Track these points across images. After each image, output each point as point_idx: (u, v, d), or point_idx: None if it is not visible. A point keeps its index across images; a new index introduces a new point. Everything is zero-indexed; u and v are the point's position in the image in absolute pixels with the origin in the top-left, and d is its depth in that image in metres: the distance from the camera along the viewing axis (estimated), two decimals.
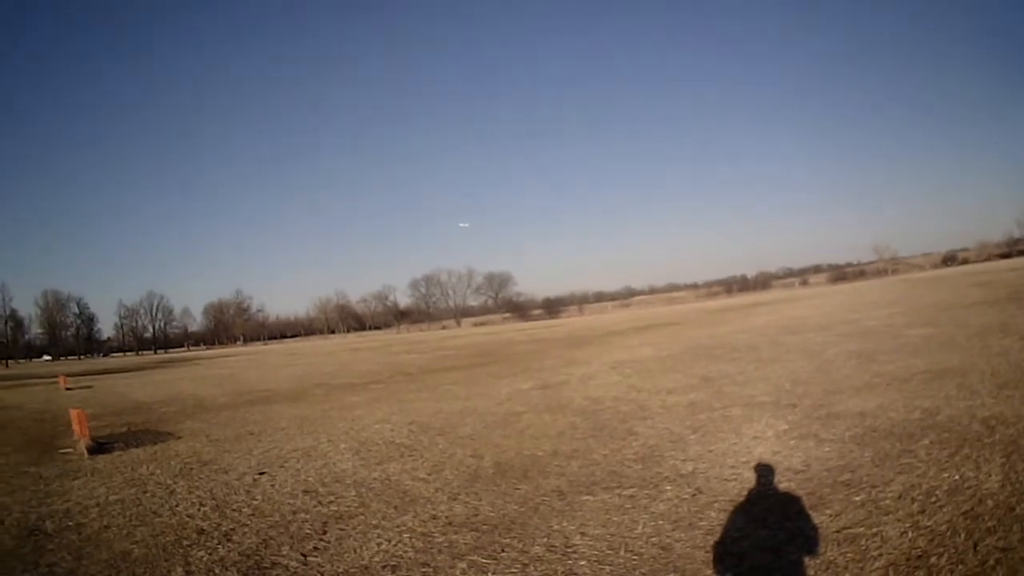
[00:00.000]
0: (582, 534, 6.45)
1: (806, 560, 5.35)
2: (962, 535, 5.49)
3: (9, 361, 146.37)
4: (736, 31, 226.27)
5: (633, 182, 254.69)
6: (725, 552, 5.64)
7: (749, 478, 7.95)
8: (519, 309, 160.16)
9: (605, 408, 14.43)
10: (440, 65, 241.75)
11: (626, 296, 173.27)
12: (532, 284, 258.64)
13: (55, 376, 53.56)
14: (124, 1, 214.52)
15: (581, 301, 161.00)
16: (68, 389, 39.72)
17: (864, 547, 5.50)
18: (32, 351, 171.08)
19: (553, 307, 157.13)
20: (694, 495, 7.42)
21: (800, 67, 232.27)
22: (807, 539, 5.78)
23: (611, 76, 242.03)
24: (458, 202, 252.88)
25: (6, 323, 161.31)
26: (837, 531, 5.91)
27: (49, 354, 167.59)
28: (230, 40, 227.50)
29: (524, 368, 26.57)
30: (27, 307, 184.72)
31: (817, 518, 6.27)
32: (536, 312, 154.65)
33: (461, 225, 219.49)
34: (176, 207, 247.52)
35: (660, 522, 6.56)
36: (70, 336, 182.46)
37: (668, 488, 7.77)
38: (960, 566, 4.96)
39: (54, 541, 8.19)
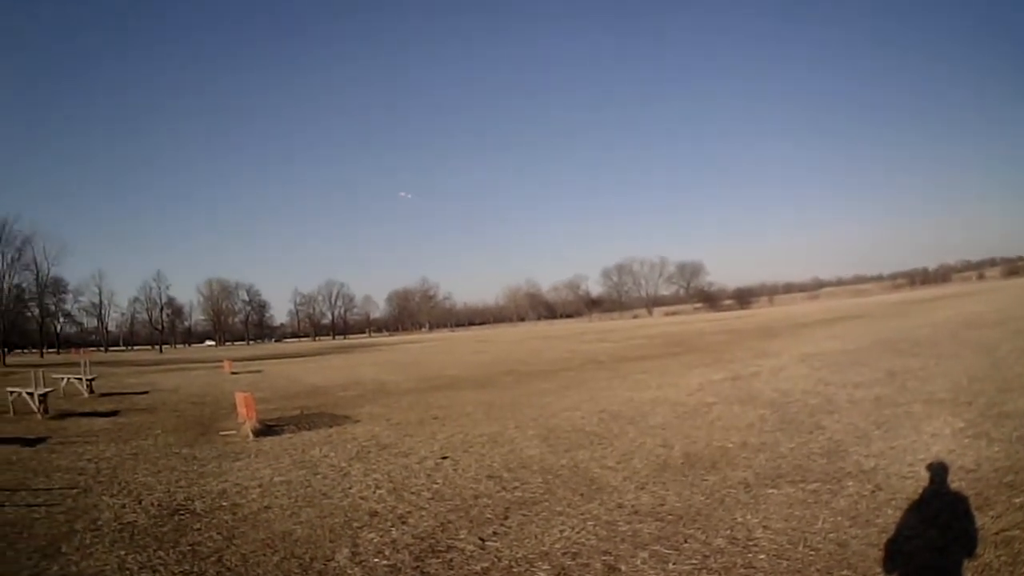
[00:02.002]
0: (764, 527, 6.66)
1: (965, 562, 5.51)
2: None
3: (164, 347, 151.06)
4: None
5: (824, 170, 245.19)
6: (896, 551, 5.81)
7: (925, 476, 8.03)
8: (710, 299, 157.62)
9: (794, 401, 14.53)
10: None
11: (814, 287, 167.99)
12: (723, 273, 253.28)
13: (219, 361, 55.44)
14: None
15: (771, 292, 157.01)
16: (234, 373, 41.19)
17: (1017, 550, 5.64)
18: (193, 337, 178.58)
19: (744, 297, 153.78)
20: (873, 492, 7.56)
21: None
22: (969, 540, 5.91)
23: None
24: (651, 190, 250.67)
25: (161, 310, 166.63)
26: (996, 533, 6.04)
27: (213, 340, 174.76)
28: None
29: (716, 359, 26.61)
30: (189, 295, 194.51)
31: (980, 519, 6.38)
32: (727, 302, 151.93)
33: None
34: (361, 199, 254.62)
35: (839, 518, 6.74)
36: (238, 322, 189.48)
37: (850, 484, 7.92)
38: None
39: (202, 521, 8.52)
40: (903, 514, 6.75)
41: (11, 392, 23.75)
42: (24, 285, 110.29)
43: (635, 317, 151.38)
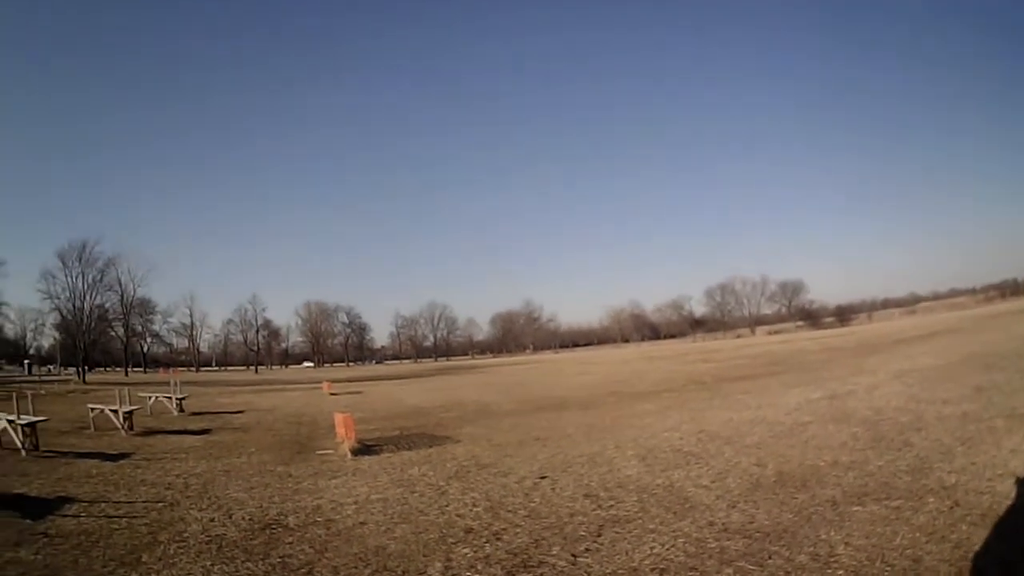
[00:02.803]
0: (846, 544, 6.79)
1: None
2: None
3: (259, 368, 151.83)
4: None
5: (915, 183, 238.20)
6: (967, 566, 5.92)
7: (1001, 491, 8.11)
8: (811, 317, 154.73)
9: (886, 419, 14.48)
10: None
11: (911, 302, 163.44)
12: (824, 290, 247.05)
13: (317, 382, 55.75)
14: None
15: (870, 308, 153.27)
16: (333, 394, 41.34)
17: None
18: (290, 359, 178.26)
19: (844, 315, 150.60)
20: (951, 508, 7.64)
21: None
22: None
23: None
24: (750, 207, 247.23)
25: (257, 332, 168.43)
26: None
27: (311, 361, 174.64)
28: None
29: (815, 377, 26.41)
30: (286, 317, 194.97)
31: None
32: (827, 320, 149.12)
33: None
34: (465, 222, 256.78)
35: (917, 534, 6.85)
36: (338, 344, 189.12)
37: (930, 500, 8.01)
38: None
39: (294, 535, 8.71)
40: (977, 530, 6.84)
41: (92, 408, 24.38)
42: (108, 305, 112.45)
43: (738, 336, 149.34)
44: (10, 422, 18.08)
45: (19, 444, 17.57)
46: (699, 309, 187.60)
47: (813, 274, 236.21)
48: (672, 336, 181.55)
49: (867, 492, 8.71)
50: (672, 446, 13.63)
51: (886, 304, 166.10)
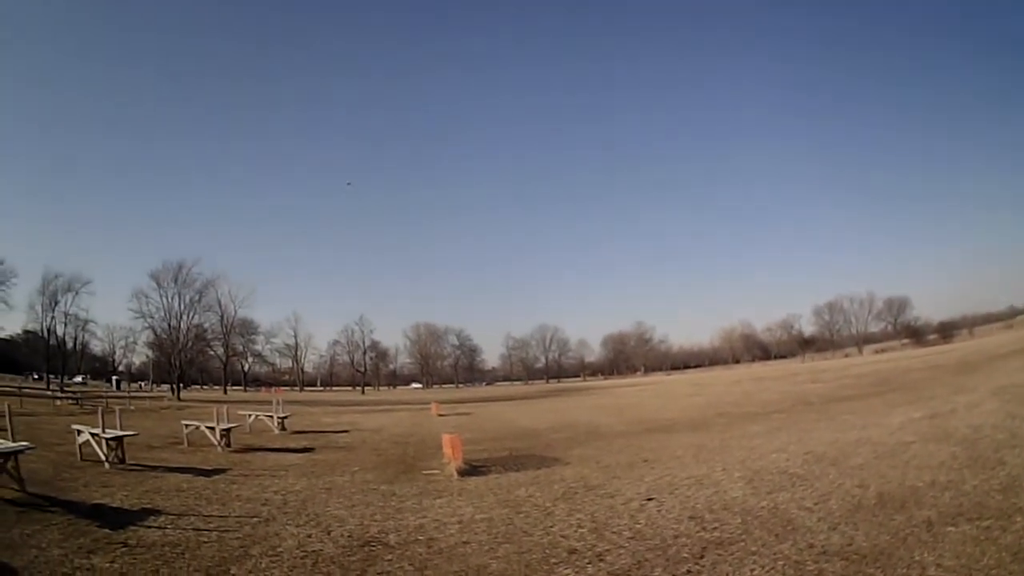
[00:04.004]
0: (937, 565, 6.95)
1: None
2: None
3: (366, 388, 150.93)
4: None
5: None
6: None
7: None
8: (916, 334, 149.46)
9: (983, 437, 14.39)
10: None
11: (1009, 315, 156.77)
12: (928, 306, 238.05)
13: (425, 403, 54.64)
14: None
15: (971, 324, 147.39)
16: (441, 415, 41.00)
17: None
18: (398, 380, 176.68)
19: (946, 331, 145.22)
20: None
21: None
22: None
23: None
24: (857, 224, 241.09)
25: (364, 353, 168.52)
26: None
27: (419, 382, 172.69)
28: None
29: (917, 396, 25.98)
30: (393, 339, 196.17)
31: None
32: (931, 337, 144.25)
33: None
34: (575, 245, 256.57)
35: (1003, 554, 7.01)
36: (447, 366, 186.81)
37: (1019, 519, 8.11)
38: None
39: (394, 552, 8.72)
40: None
41: (187, 425, 24.62)
42: (207, 325, 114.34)
43: (846, 356, 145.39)
44: (94, 435, 18.21)
45: (103, 457, 17.61)
46: (808, 328, 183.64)
47: (917, 289, 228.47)
48: (782, 356, 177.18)
49: (961, 512, 8.79)
50: (778, 468, 13.62)
51: (987, 319, 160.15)
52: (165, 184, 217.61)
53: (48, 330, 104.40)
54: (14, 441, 14.03)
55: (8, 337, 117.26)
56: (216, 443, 22.52)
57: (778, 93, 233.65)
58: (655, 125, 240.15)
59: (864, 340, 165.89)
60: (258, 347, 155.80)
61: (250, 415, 31.71)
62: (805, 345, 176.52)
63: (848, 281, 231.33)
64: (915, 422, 18.35)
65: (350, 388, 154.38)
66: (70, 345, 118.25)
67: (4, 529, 10.05)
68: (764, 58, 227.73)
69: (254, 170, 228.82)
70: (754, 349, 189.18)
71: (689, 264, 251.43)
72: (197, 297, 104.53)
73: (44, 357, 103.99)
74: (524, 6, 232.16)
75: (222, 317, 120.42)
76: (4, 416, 14.82)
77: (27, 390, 55.33)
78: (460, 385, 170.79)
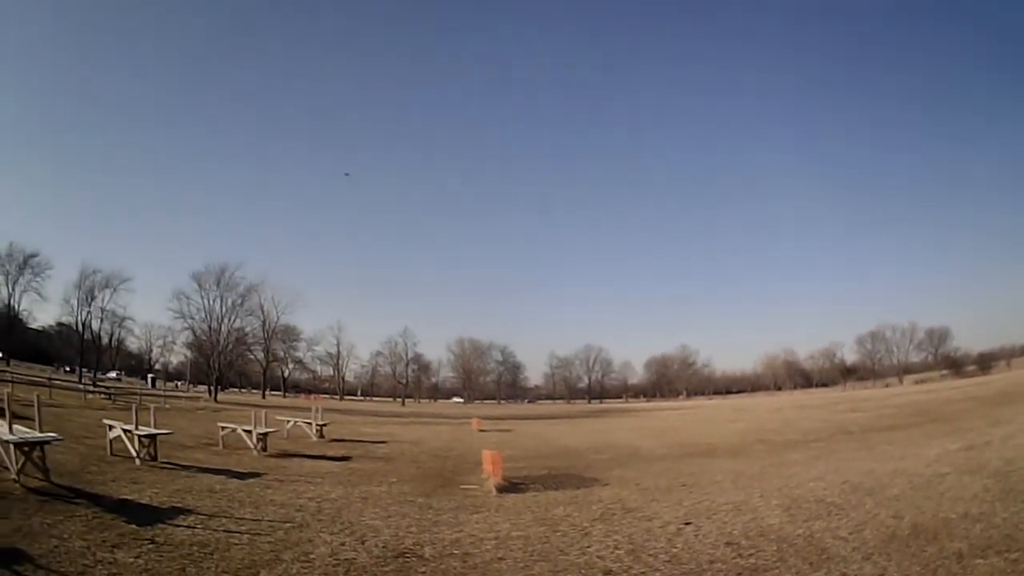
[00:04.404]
0: None
1: None
2: None
3: (407, 400, 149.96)
4: None
5: None
6: None
7: None
8: (955, 365, 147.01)
9: (1016, 469, 14.48)
10: None
11: None
12: (967, 336, 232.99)
13: (466, 417, 55.18)
14: None
15: (1009, 355, 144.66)
16: (481, 431, 41.19)
17: None
18: (439, 393, 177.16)
19: (985, 361, 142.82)
20: None
21: None
22: None
23: None
24: (904, 254, 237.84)
25: (407, 365, 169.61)
26: None
27: (461, 397, 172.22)
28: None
29: (955, 428, 25.89)
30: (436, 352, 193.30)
31: None
32: (970, 368, 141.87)
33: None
34: (620, 265, 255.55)
35: None
36: (490, 382, 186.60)
37: None
38: None
39: (428, 565, 8.77)
40: None
41: (223, 427, 24.63)
42: (248, 329, 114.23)
43: (886, 386, 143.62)
44: (126, 431, 18.28)
45: (134, 453, 17.72)
46: (850, 356, 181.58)
47: (958, 318, 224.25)
48: (823, 384, 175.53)
49: (991, 544, 8.93)
50: (816, 496, 13.66)
51: None
52: (215, 188, 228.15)
53: (83, 324, 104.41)
54: (41, 432, 14.26)
55: (40, 328, 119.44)
56: (252, 447, 22.70)
57: (826, 127, 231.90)
58: (717, 158, 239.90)
59: (904, 370, 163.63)
60: (299, 354, 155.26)
61: (288, 421, 31.74)
62: (847, 374, 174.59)
63: (891, 307, 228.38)
64: (951, 453, 18.37)
65: (390, 399, 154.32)
66: (105, 341, 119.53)
67: (24, 517, 10.28)
68: (822, 93, 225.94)
69: (305, 182, 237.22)
70: (796, 376, 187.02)
71: (737, 290, 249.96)
72: (239, 301, 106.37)
73: (78, 351, 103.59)
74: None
75: (264, 322, 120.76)
76: (32, 406, 14.83)
77: (57, 382, 55.67)
78: (502, 401, 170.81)
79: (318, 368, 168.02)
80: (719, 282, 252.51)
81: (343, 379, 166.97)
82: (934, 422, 30.12)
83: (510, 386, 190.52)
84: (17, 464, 12.97)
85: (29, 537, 9.09)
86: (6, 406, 15.56)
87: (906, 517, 11.14)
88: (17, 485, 12.42)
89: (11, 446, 13.10)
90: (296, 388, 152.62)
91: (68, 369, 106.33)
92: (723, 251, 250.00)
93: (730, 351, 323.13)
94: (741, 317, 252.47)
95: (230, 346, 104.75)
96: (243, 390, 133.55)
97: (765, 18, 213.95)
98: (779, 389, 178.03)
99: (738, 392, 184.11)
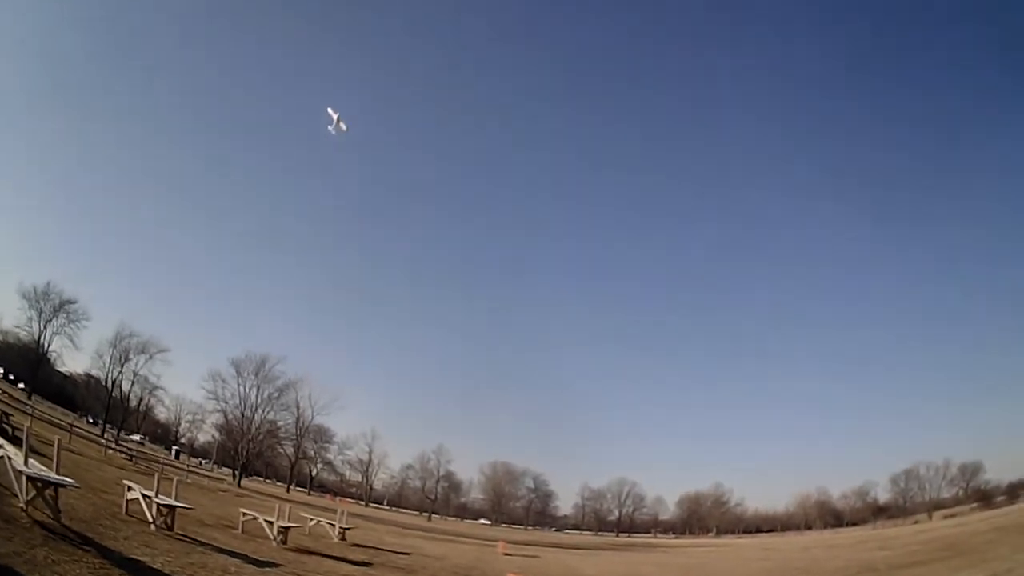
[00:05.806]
0: None
1: None
2: None
3: (433, 516, 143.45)
4: None
5: None
6: None
7: None
8: (985, 498, 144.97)
9: None
10: None
11: None
12: (996, 465, 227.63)
13: (493, 540, 53.55)
14: None
15: None
16: (507, 554, 39.86)
17: None
18: (467, 513, 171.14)
19: (1014, 492, 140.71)
20: None
21: None
22: None
23: None
24: (939, 386, 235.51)
25: (437, 481, 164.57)
26: None
27: (488, 519, 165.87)
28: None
29: (980, 559, 25.52)
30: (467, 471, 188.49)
31: None
32: (999, 499, 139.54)
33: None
34: (654, 403, 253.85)
35: None
36: (519, 507, 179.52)
37: None
38: None
39: None
40: None
41: (245, 513, 23.64)
42: (280, 423, 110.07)
43: (915, 522, 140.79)
44: (145, 495, 17.75)
45: (150, 518, 17.11)
46: (883, 495, 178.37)
47: (989, 447, 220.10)
48: (854, 523, 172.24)
49: None
50: None
51: None
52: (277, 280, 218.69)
53: (112, 382, 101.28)
54: (58, 474, 14.00)
55: (68, 373, 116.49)
56: (272, 537, 21.84)
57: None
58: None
59: (935, 506, 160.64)
60: (330, 455, 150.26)
61: (312, 519, 30.67)
62: (878, 512, 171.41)
63: (924, 440, 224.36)
64: None
65: (417, 512, 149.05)
66: (133, 403, 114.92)
67: (27, 546, 10.14)
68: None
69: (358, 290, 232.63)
70: (827, 516, 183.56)
71: (773, 428, 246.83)
72: (276, 395, 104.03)
73: (104, 405, 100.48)
74: None
75: (298, 420, 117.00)
76: (50, 444, 14.64)
77: (79, 429, 54.89)
78: (529, 528, 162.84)
79: (347, 472, 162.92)
80: (755, 421, 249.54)
81: (371, 487, 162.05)
82: (960, 555, 29.57)
83: (539, 513, 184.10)
84: (27, 495, 12.83)
85: (30, 565, 9.01)
86: (24, 438, 15.47)
87: None
88: (24, 514, 12.32)
89: (24, 477, 12.99)
90: (322, 487, 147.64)
91: (91, 420, 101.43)
92: (763, 394, 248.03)
93: (764, 489, 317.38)
94: (776, 455, 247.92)
95: (260, 436, 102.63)
96: (267, 480, 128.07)
97: None
98: (809, 528, 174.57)
99: (768, 531, 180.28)
